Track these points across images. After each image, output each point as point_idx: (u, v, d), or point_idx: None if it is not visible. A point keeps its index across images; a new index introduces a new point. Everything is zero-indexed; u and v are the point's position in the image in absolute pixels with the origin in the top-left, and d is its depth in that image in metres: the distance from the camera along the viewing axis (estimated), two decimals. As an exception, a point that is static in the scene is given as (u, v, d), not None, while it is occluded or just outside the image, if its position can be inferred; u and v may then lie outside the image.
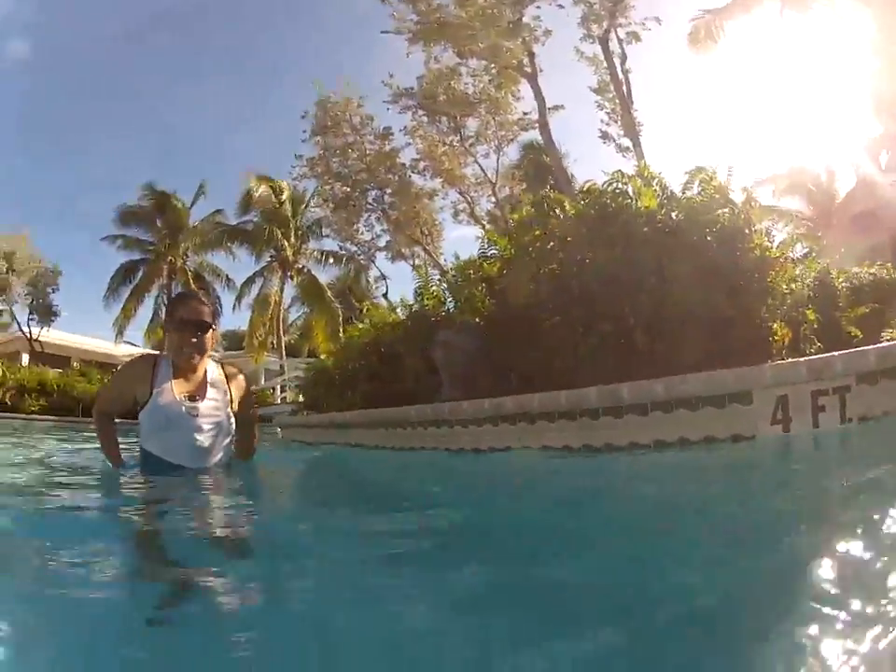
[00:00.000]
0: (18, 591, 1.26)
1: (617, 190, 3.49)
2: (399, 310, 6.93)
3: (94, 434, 2.90)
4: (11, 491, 2.54)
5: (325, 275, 26.30)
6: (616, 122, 13.62)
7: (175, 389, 2.60)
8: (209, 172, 56.48)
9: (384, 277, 19.87)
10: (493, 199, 15.43)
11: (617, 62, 12.80)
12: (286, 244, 23.44)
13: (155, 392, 2.57)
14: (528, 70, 13.33)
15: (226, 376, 2.79)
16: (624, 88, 12.92)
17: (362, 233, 15.77)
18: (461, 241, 38.73)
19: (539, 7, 12.65)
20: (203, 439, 2.58)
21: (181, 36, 51.73)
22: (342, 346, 8.74)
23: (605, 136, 13.85)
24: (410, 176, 15.18)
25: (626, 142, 13.35)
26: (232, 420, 2.72)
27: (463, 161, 15.27)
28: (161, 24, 50.77)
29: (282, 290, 24.92)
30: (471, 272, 4.92)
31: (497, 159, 15.47)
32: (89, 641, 1.02)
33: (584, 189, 3.91)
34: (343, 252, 19.92)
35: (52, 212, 53.03)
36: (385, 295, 17.01)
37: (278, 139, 51.31)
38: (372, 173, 14.68)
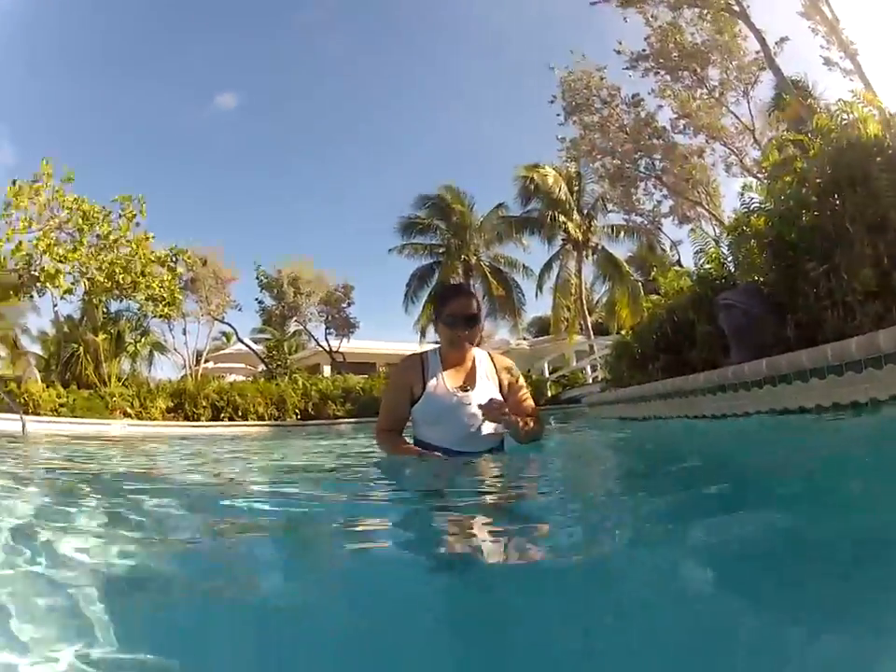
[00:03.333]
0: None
1: (844, 122, 3.02)
2: (685, 277, 6.78)
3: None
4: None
5: (620, 249, 26.01)
6: (833, 46, 11.81)
7: (446, 381, 2.68)
8: (471, 167, 59.72)
9: (674, 244, 18.87)
10: (756, 146, 13.91)
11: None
12: (570, 225, 23.85)
13: (428, 386, 2.67)
14: (737, 9, 12.40)
15: (496, 367, 2.81)
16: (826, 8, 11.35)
17: (643, 203, 15.40)
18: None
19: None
20: (476, 425, 2.63)
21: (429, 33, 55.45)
22: (640, 319, 8.78)
23: (827, 62, 12.10)
24: (672, 138, 14.45)
25: (848, 65, 11.47)
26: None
27: (718, 113, 14.16)
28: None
29: (579, 271, 25.29)
30: (743, 228, 4.64)
31: (748, 104, 14.25)
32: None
33: (816, 125, 3.42)
34: (631, 224, 19.49)
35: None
36: (678, 262, 16.15)
37: (531, 126, 52.12)
38: (636, 141, 14.33)
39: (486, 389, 2.68)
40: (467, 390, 2.65)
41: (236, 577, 1.27)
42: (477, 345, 2.81)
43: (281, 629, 0.95)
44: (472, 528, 1.47)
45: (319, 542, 1.53)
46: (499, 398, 2.67)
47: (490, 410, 2.51)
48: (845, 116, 3.18)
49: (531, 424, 2.74)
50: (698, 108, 14.10)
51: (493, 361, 2.83)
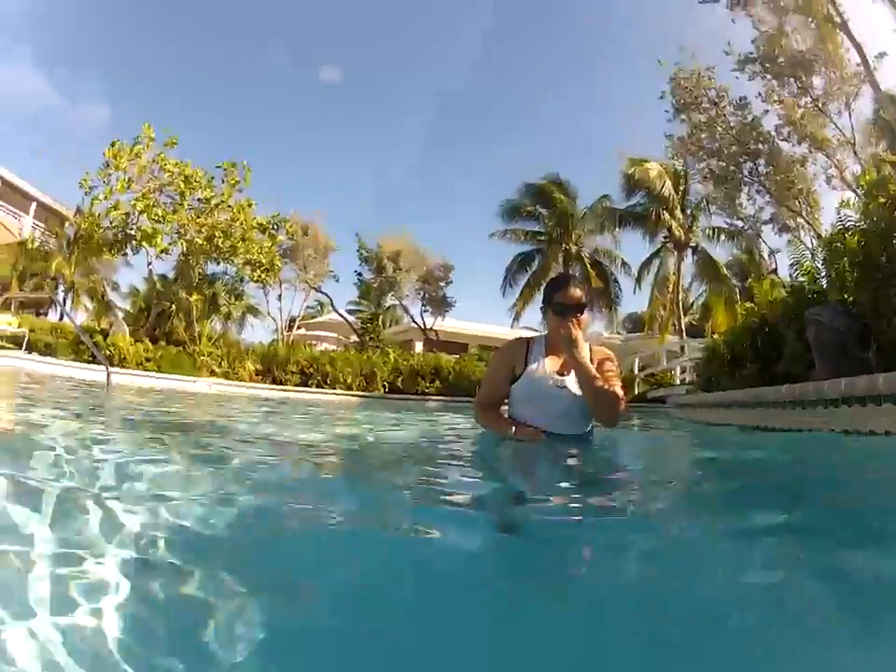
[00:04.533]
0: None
1: None
2: (780, 287, 6.72)
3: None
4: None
5: (720, 253, 25.07)
6: None
7: (547, 365, 2.81)
8: (575, 157, 58.98)
9: (772, 252, 18.12)
10: (857, 160, 13.16)
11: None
12: (673, 223, 23.23)
13: (528, 367, 2.81)
14: (838, 20, 12.09)
15: (593, 356, 2.84)
16: None
17: (745, 208, 14.98)
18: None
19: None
20: (570, 409, 2.76)
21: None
22: (732, 326, 8.68)
23: None
24: (777, 144, 13.93)
25: None
26: None
27: (821, 123, 13.52)
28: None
29: (678, 270, 24.61)
30: (837, 244, 4.63)
31: (850, 116, 13.66)
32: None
33: None
34: (731, 228, 18.82)
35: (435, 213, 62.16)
36: (774, 271, 15.51)
37: (636, 120, 50.65)
38: (742, 144, 13.92)
39: None
40: (563, 375, 2.77)
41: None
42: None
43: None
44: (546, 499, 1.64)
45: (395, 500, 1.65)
46: None
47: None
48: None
49: (620, 409, 2.80)
50: (802, 117, 13.61)
51: (591, 350, 2.87)
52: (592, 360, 2.79)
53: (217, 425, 4.16)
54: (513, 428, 2.73)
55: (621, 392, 2.77)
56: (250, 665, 0.83)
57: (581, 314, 2.74)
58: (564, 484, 2.10)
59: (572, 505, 1.70)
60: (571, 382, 2.75)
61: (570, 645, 0.91)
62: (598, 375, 2.72)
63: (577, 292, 2.78)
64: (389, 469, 2.37)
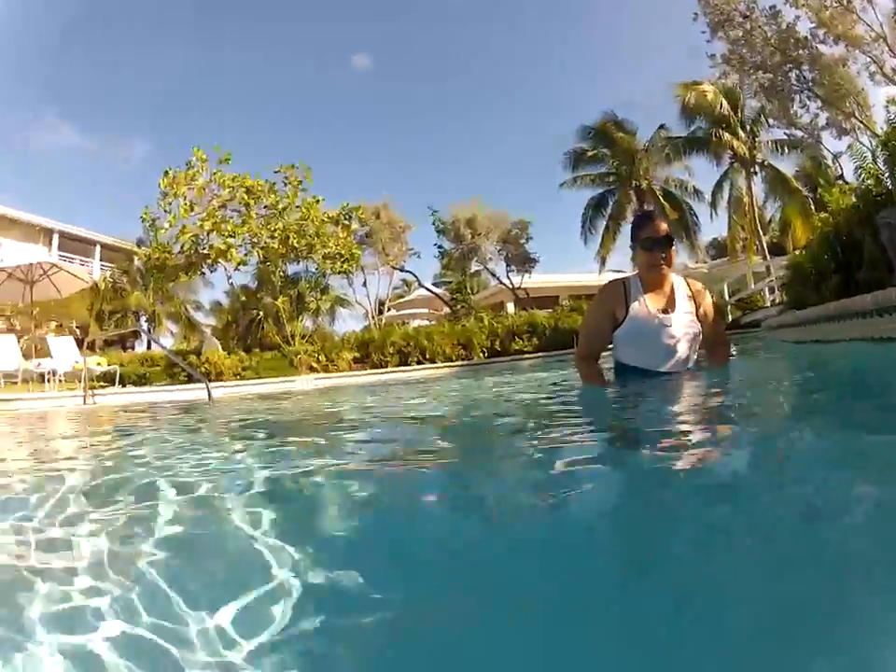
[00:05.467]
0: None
1: None
2: (849, 193, 6.60)
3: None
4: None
5: (786, 165, 23.76)
6: None
7: (648, 304, 2.82)
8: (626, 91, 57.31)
9: (835, 157, 17.12)
10: (892, 53, 12.28)
11: None
12: (735, 143, 22.23)
13: (630, 309, 2.81)
14: None
15: (692, 291, 2.94)
16: None
17: (801, 116, 14.36)
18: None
19: None
20: (676, 347, 2.79)
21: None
22: (811, 239, 8.51)
23: None
24: (815, 47, 13.25)
25: None
26: (700, 330, 2.88)
27: (850, 20, 12.67)
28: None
29: (750, 189, 23.56)
30: (893, 143, 4.61)
31: (874, 11, 12.96)
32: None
33: None
34: (792, 139, 17.90)
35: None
36: (840, 177, 14.72)
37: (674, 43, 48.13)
38: (783, 53, 13.36)
39: (685, 312, 2.87)
40: (668, 312, 2.82)
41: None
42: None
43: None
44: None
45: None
46: (697, 324, 2.89)
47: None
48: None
49: (727, 345, 3.07)
50: (831, 17, 12.89)
51: (688, 285, 2.98)
52: (690, 296, 2.92)
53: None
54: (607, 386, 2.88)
55: (726, 335, 3.04)
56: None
57: (670, 247, 2.81)
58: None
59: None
60: (676, 320, 2.82)
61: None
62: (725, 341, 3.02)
63: (663, 225, 2.84)
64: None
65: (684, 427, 1.86)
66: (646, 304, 2.81)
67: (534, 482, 1.40)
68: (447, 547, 1.01)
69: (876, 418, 1.64)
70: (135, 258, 28.98)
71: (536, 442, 1.85)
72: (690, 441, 1.62)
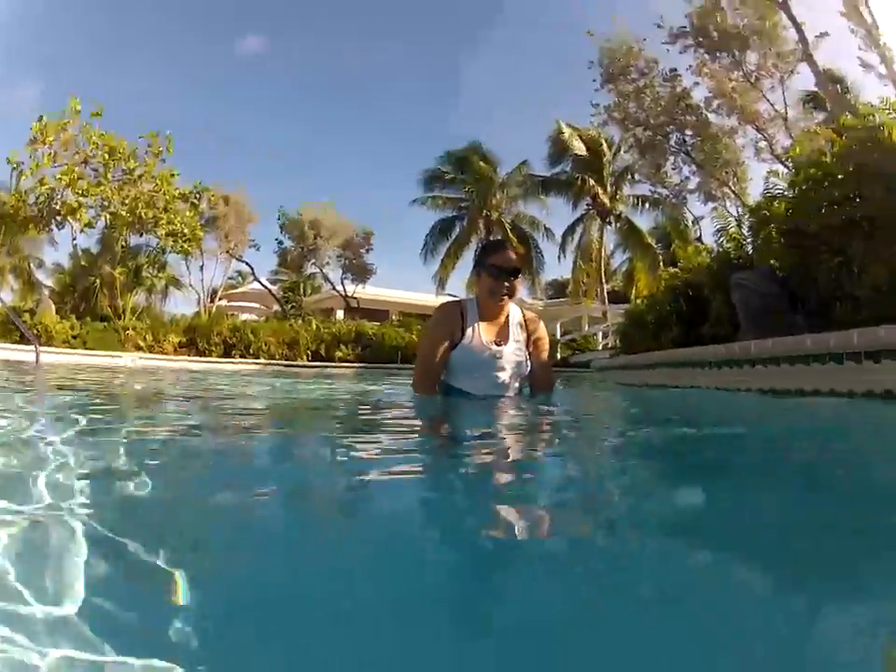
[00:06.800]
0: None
1: (870, 125, 3.15)
2: (704, 253, 6.93)
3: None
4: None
5: (643, 220, 25.89)
6: (871, 48, 11.88)
7: (482, 334, 2.84)
8: (498, 122, 59.97)
9: (696, 220, 18.92)
10: (788, 134, 13.96)
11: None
12: (599, 191, 23.70)
13: (465, 336, 2.83)
14: None
15: (525, 320, 2.98)
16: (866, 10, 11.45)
17: (670, 176, 15.48)
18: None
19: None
20: (504, 377, 2.88)
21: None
22: (655, 290, 8.95)
23: (864, 64, 12.17)
24: (706, 116, 14.45)
25: (884, 70, 11.63)
26: (528, 361, 2.94)
27: (753, 97, 14.19)
28: None
29: (602, 237, 25.28)
30: (764, 212, 4.79)
31: (783, 93, 14.37)
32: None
33: (841, 123, 3.56)
34: (657, 196, 19.45)
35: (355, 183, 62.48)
36: (698, 238, 16.20)
37: (567, 86, 51.41)
38: (670, 115, 14.33)
39: (515, 341, 2.90)
40: (500, 345, 2.86)
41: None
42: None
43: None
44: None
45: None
46: (525, 353, 2.94)
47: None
48: (872, 118, 3.29)
49: (551, 376, 3.13)
50: (733, 90, 14.09)
51: (523, 313, 3.02)
52: (524, 325, 2.97)
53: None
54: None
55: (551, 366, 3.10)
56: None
57: (516, 277, 2.83)
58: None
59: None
60: (507, 352, 2.87)
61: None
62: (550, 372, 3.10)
63: (513, 256, 2.87)
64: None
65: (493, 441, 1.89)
66: (479, 334, 2.84)
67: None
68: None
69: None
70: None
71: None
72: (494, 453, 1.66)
